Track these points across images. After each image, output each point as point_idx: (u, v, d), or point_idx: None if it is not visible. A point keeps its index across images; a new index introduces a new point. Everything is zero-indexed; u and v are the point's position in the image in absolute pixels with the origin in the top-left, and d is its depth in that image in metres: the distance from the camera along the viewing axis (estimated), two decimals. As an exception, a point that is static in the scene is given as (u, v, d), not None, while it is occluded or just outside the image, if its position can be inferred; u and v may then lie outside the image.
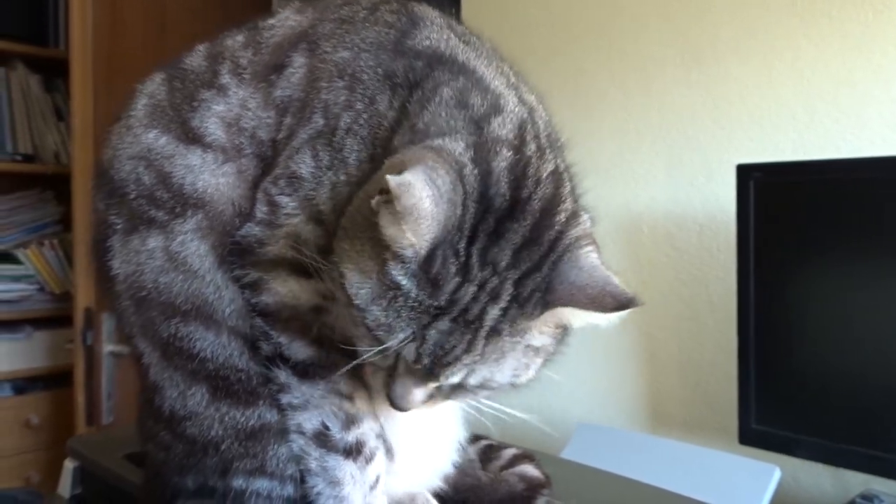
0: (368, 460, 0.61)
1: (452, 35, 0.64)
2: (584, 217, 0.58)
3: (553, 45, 1.67)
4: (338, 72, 0.61)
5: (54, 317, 2.39)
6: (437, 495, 0.68)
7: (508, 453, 0.76)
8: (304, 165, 0.59)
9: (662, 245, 1.50)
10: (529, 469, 0.74)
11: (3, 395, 2.32)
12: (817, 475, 1.30)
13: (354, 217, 0.53)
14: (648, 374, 1.55)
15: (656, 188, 1.52)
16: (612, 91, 1.58)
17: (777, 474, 1.19)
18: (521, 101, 0.61)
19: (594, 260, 0.55)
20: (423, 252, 0.49)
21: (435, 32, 0.63)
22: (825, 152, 1.28)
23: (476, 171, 0.52)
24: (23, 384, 2.37)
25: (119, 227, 0.63)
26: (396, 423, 0.64)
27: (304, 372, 0.60)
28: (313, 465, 0.60)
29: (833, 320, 1.14)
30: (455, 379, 0.53)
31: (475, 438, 0.75)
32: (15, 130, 2.41)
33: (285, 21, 0.68)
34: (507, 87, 0.61)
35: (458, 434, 0.70)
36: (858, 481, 1.22)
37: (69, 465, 0.86)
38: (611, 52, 1.59)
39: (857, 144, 1.26)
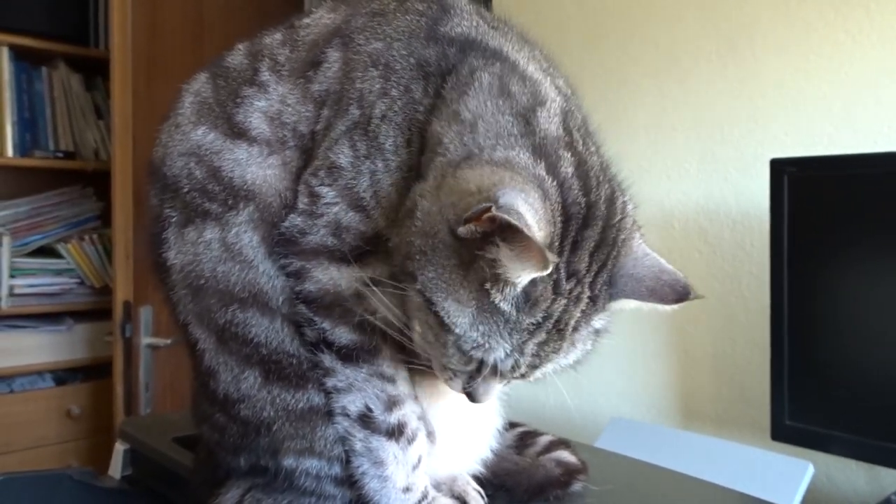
0: (410, 441, 0.62)
1: (482, 22, 0.65)
2: (628, 200, 0.60)
3: (587, 39, 1.68)
4: (371, 62, 0.62)
5: (94, 310, 2.44)
6: (476, 479, 0.70)
7: (544, 440, 0.77)
8: (343, 156, 0.61)
9: (695, 240, 1.50)
10: (566, 455, 0.76)
11: (45, 386, 2.38)
12: (851, 472, 1.29)
13: (432, 242, 0.54)
14: (681, 369, 1.55)
15: (689, 183, 1.52)
16: (646, 85, 1.58)
17: (810, 470, 1.18)
18: (557, 87, 0.62)
19: (645, 248, 0.58)
20: (548, 267, 0.51)
21: (465, 20, 0.64)
22: (862, 146, 1.27)
23: (555, 183, 0.54)
24: (63, 375, 2.43)
25: (174, 219, 0.66)
26: (438, 408, 0.66)
27: (348, 356, 0.61)
28: (358, 445, 0.62)
29: (867, 316, 1.14)
30: (539, 375, 0.58)
31: (511, 426, 0.76)
32: (56, 128, 2.47)
33: (319, 20, 0.69)
34: (542, 72, 0.63)
35: (497, 421, 0.71)
36: (894, 479, 1.21)
37: (120, 447, 0.89)
38: (645, 46, 1.59)
39: (894, 139, 1.25)
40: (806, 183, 1.19)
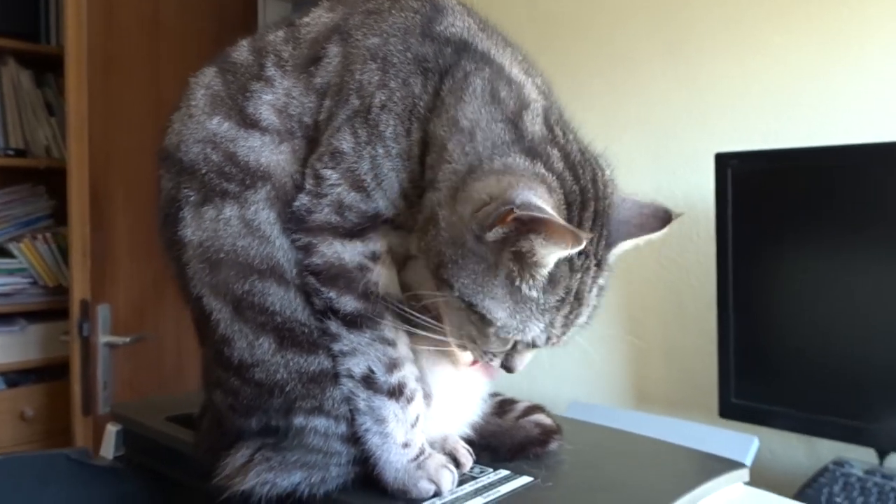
0: (409, 400, 0.67)
1: (472, 23, 0.70)
2: (605, 167, 0.67)
3: (540, 41, 1.73)
4: (370, 56, 0.68)
5: (47, 310, 2.40)
6: (464, 440, 0.75)
7: (521, 406, 0.83)
8: (345, 142, 0.66)
9: (645, 232, 1.58)
10: (542, 417, 0.82)
11: (-3, 388, 2.34)
12: (792, 447, 1.37)
13: (461, 251, 0.60)
14: (633, 355, 1.62)
15: (639, 177, 1.58)
16: (597, 84, 1.65)
17: (756, 443, 1.26)
18: (537, 87, 0.68)
19: (622, 195, 0.65)
20: (581, 243, 0.57)
21: (458, 20, 0.69)
22: (800, 141, 1.36)
23: (553, 177, 0.61)
24: (16, 377, 2.37)
25: (192, 199, 0.69)
26: (435, 374, 0.71)
27: (352, 322, 0.66)
28: (361, 405, 0.66)
29: (806, 300, 1.21)
30: (566, 339, 0.65)
31: (491, 395, 0.82)
32: (6, 125, 2.42)
33: (319, 19, 0.74)
34: (524, 74, 0.68)
35: (485, 388, 0.77)
36: (829, 451, 1.29)
37: (112, 428, 0.90)
38: (597, 47, 1.65)
39: (831, 134, 1.33)
40: (748, 176, 1.26)
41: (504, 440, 0.78)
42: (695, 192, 1.50)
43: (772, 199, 1.26)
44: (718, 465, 0.77)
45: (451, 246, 0.61)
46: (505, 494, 0.68)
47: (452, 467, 0.70)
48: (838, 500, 1.06)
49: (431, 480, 0.67)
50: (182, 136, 0.71)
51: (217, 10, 2.39)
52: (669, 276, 1.55)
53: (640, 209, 0.65)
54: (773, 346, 1.27)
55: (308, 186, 0.67)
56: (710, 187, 1.31)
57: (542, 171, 0.61)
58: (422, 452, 0.68)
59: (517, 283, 0.60)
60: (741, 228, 1.27)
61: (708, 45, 1.49)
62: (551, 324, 0.62)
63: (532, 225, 0.56)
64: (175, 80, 2.44)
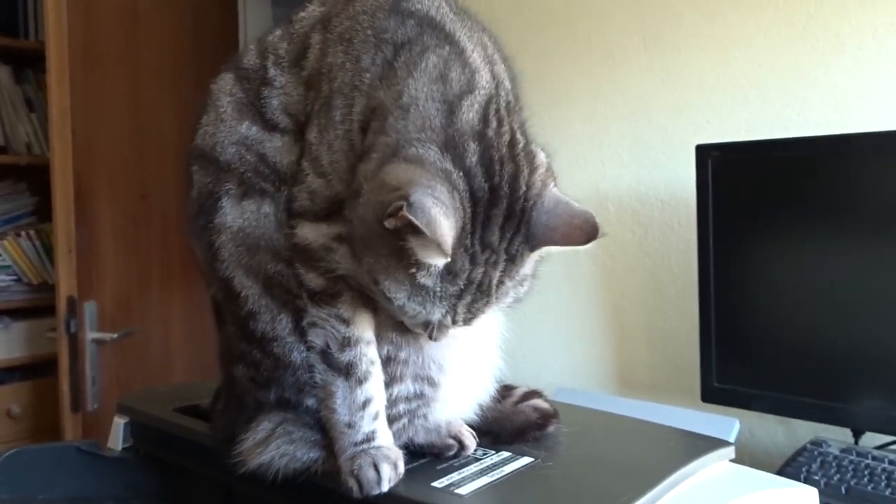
0: (360, 382, 0.69)
1: (444, 4, 0.71)
2: (540, 156, 0.67)
3: (524, 37, 1.75)
4: (339, 39, 0.70)
5: (33, 307, 2.40)
6: (467, 424, 0.78)
7: (519, 391, 0.86)
8: (312, 133, 0.70)
9: (628, 221, 1.60)
10: (540, 402, 0.84)
11: (-18, 387, 2.33)
12: (771, 429, 1.41)
13: (369, 234, 0.62)
14: (617, 341, 1.65)
15: (622, 168, 1.62)
16: (580, 79, 1.68)
17: (737, 425, 1.29)
18: (492, 74, 0.68)
19: (556, 196, 0.65)
20: (445, 259, 0.60)
21: (428, 0, 0.70)
22: (775, 132, 1.39)
23: (460, 173, 0.62)
24: (1, 375, 2.37)
25: (233, 192, 0.73)
26: (445, 358, 0.73)
27: (315, 298, 0.70)
28: (318, 377, 0.70)
29: (784, 287, 1.25)
30: (479, 321, 0.67)
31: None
32: (-14, 123, 2.42)
33: (312, 13, 0.76)
34: (483, 60, 0.68)
35: (496, 364, 0.79)
36: (806, 432, 1.34)
37: (119, 420, 0.92)
38: (579, 43, 1.68)
39: (804, 125, 1.37)
40: (728, 166, 1.29)
41: (504, 424, 0.81)
42: (676, 183, 1.53)
43: (751, 189, 1.29)
44: (706, 444, 0.81)
45: (362, 226, 0.63)
46: (509, 474, 0.71)
47: (400, 466, 0.69)
48: (816, 477, 1.09)
49: (375, 468, 0.67)
50: (216, 138, 0.75)
51: (195, 2, 2.38)
52: (652, 263, 1.58)
53: (570, 218, 0.64)
54: (752, 331, 1.30)
55: (298, 179, 0.71)
56: (690, 177, 1.34)
57: (450, 167, 0.62)
58: (368, 439, 0.69)
59: (411, 271, 0.61)
60: (721, 217, 1.30)
61: (687, 40, 1.52)
62: (453, 309, 0.64)
63: (412, 227, 0.58)
64: (154, 73, 2.42)
